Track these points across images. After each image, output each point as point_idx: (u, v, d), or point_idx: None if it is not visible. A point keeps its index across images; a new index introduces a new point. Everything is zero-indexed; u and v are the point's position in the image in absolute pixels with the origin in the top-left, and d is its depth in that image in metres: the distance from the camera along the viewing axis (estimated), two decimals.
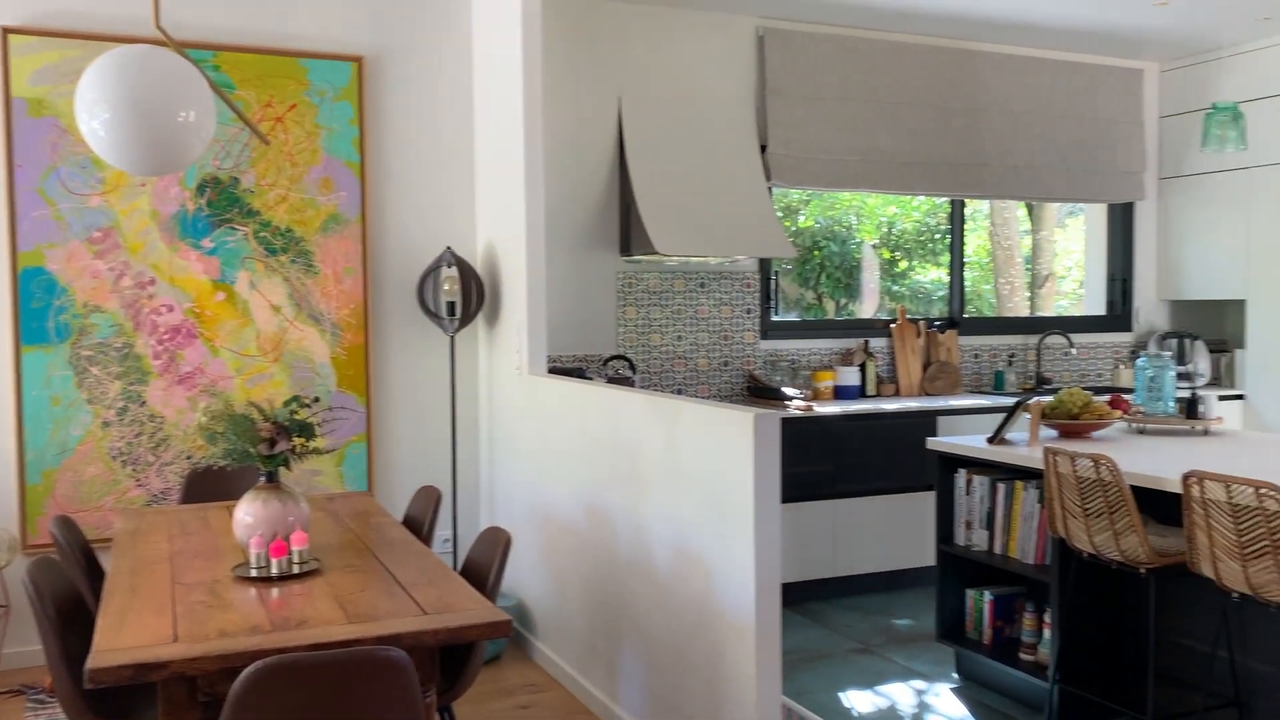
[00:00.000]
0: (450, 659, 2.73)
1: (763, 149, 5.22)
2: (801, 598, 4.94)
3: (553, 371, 4.42)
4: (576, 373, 4.59)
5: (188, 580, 2.57)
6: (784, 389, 5.08)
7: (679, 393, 5.15)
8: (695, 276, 5.21)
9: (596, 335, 5.02)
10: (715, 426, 2.87)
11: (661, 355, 5.14)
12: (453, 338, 4.54)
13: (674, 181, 4.95)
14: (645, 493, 3.28)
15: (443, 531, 4.60)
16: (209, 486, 3.79)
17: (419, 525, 3.37)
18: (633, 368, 4.98)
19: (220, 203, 4.29)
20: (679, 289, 5.18)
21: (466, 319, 4.47)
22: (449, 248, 4.46)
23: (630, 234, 4.97)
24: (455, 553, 4.61)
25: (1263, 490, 2.56)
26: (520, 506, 4.32)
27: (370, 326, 4.55)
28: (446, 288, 4.39)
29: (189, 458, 4.25)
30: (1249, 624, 3.19)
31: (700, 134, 5.10)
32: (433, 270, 4.46)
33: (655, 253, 4.75)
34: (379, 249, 4.57)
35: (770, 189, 5.25)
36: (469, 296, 4.44)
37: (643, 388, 4.96)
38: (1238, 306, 6.23)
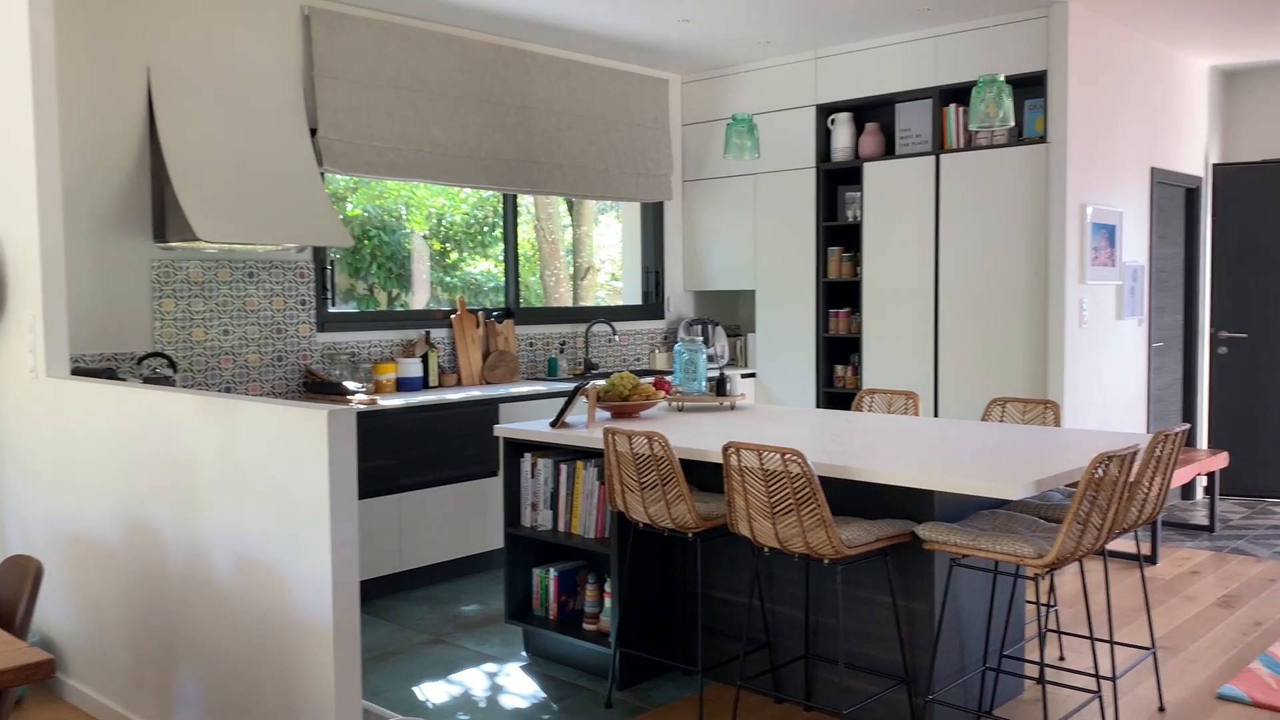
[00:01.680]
0: None
1: (314, 133, 5.01)
2: (369, 595, 4.83)
3: (76, 373, 3.91)
4: (106, 373, 4.10)
5: None
6: (345, 383, 4.92)
7: (228, 391, 4.80)
8: (243, 265, 4.87)
9: (128, 331, 4.52)
10: (283, 426, 2.71)
11: (206, 351, 4.75)
12: None
13: (216, 163, 4.58)
14: (201, 502, 3.01)
15: None
16: None
17: None
18: (173, 366, 4.54)
19: None
20: (224, 279, 4.81)
21: None
22: None
23: (166, 219, 4.52)
24: None
25: (788, 456, 2.92)
26: (39, 529, 3.78)
27: None
28: None
29: None
30: (776, 574, 3.64)
31: (244, 113, 4.76)
32: None
33: (196, 239, 4.37)
34: None
35: (323, 174, 5.04)
36: None
37: (186, 387, 4.56)
38: (749, 296, 7.07)
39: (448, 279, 7.59)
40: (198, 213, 4.36)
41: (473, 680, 3.90)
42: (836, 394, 6.41)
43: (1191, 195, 6.89)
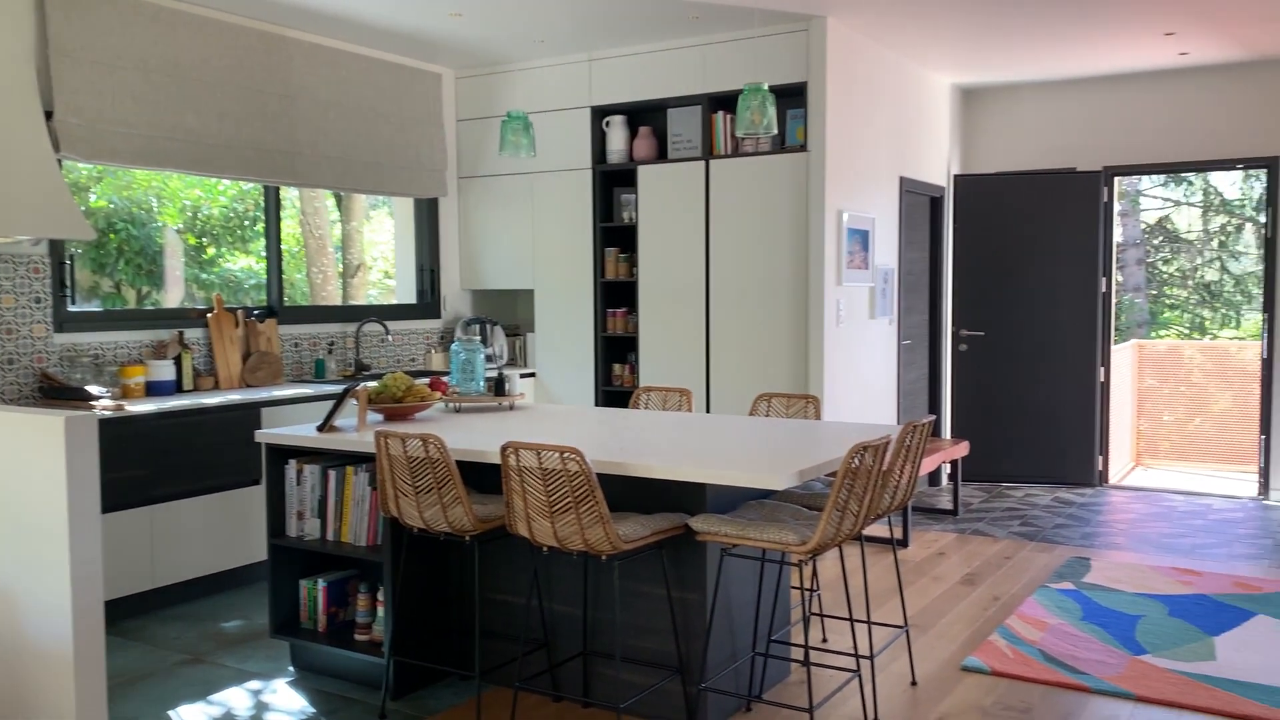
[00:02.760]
0: None
1: (49, 116, 4.58)
2: (116, 616, 4.47)
3: None
4: None
5: None
6: (88, 388, 4.53)
7: None
8: None
9: None
10: (12, 435, 2.46)
11: None
12: None
13: None
14: None
15: None
16: None
17: None
18: None
19: None
20: None
21: None
22: None
23: None
24: None
25: (566, 454, 2.93)
26: None
27: None
28: None
29: None
30: (555, 573, 3.64)
31: None
32: None
33: None
34: None
35: (60, 162, 4.63)
36: None
37: None
38: (527, 295, 7.05)
39: (204, 276, 7.15)
40: None
41: (235, 699, 3.69)
42: (615, 392, 6.49)
43: (935, 204, 7.43)
